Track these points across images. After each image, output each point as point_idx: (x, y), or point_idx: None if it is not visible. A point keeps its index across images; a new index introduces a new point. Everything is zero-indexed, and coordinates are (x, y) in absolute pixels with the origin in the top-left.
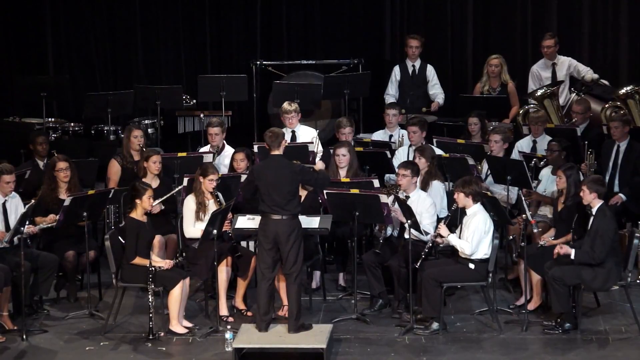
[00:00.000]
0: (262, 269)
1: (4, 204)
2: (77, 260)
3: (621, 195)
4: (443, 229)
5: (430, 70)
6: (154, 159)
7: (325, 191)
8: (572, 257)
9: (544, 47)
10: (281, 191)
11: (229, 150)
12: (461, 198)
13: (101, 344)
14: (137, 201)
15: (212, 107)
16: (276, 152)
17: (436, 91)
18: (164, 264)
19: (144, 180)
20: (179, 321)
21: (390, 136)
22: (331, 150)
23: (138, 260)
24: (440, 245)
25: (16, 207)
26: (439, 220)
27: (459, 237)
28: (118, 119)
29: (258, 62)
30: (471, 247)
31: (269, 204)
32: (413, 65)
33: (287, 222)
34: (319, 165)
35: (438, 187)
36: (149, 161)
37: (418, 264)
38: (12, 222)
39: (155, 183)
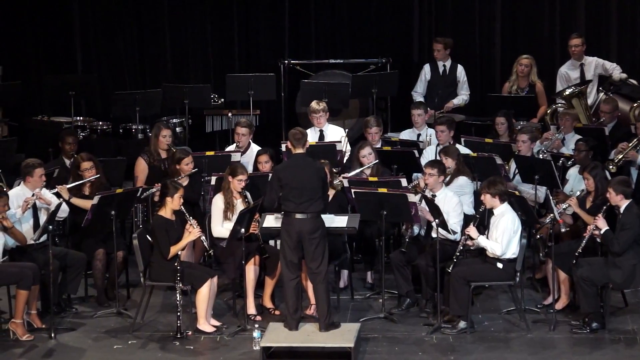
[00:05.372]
0: (288, 268)
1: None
2: (106, 258)
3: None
4: (473, 231)
5: (461, 71)
6: (186, 161)
7: (353, 190)
8: (602, 231)
9: (571, 46)
10: (308, 189)
11: (255, 149)
12: (488, 199)
13: (129, 342)
14: (168, 199)
15: (240, 106)
16: (300, 151)
17: (462, 92)
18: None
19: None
20: (206, 320)
21: (419, 135)
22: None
23: (174, 250)
24: (471, 247)
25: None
26: (466, 218)
27: (487, 238)
28: (146, 118)
29: (286, 61)
30: (502, 247)
31: (296, 202)
32: (444, 65)
33: (311, 221)
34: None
35: (464, 183)
36: (182, 164)
37: (451, 268)
38: (42, 219)
39: (184, 182)
